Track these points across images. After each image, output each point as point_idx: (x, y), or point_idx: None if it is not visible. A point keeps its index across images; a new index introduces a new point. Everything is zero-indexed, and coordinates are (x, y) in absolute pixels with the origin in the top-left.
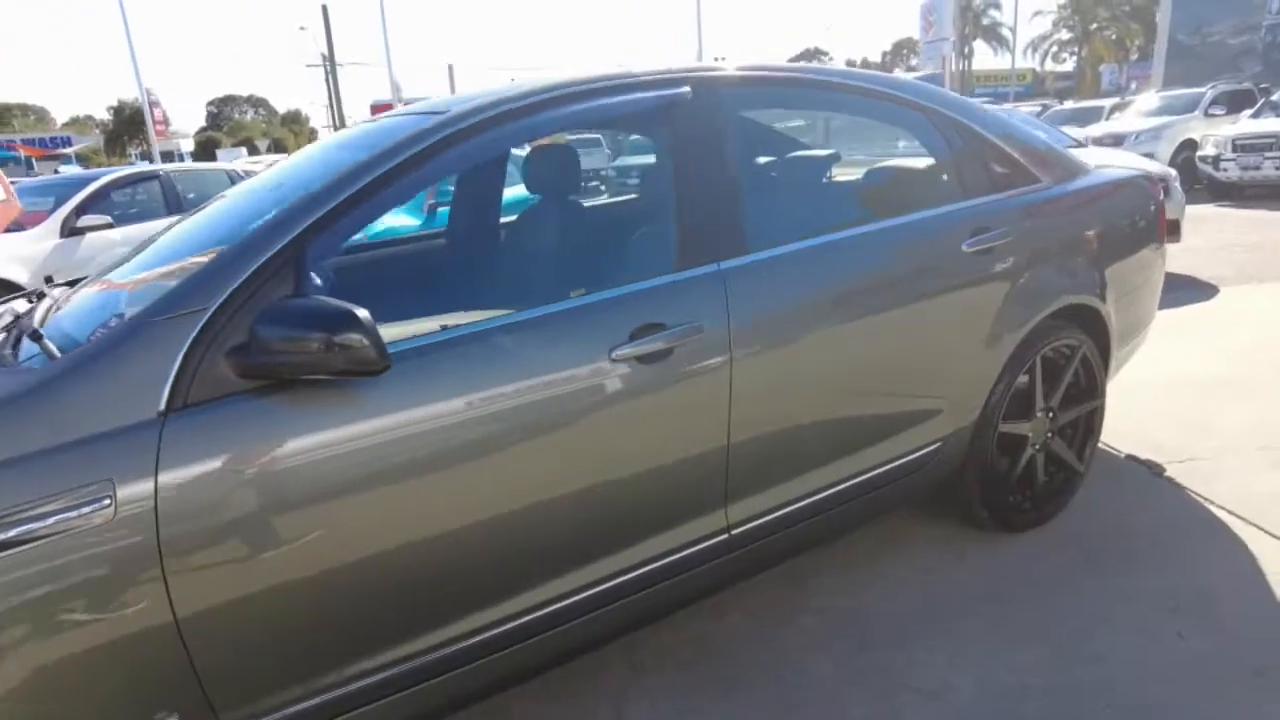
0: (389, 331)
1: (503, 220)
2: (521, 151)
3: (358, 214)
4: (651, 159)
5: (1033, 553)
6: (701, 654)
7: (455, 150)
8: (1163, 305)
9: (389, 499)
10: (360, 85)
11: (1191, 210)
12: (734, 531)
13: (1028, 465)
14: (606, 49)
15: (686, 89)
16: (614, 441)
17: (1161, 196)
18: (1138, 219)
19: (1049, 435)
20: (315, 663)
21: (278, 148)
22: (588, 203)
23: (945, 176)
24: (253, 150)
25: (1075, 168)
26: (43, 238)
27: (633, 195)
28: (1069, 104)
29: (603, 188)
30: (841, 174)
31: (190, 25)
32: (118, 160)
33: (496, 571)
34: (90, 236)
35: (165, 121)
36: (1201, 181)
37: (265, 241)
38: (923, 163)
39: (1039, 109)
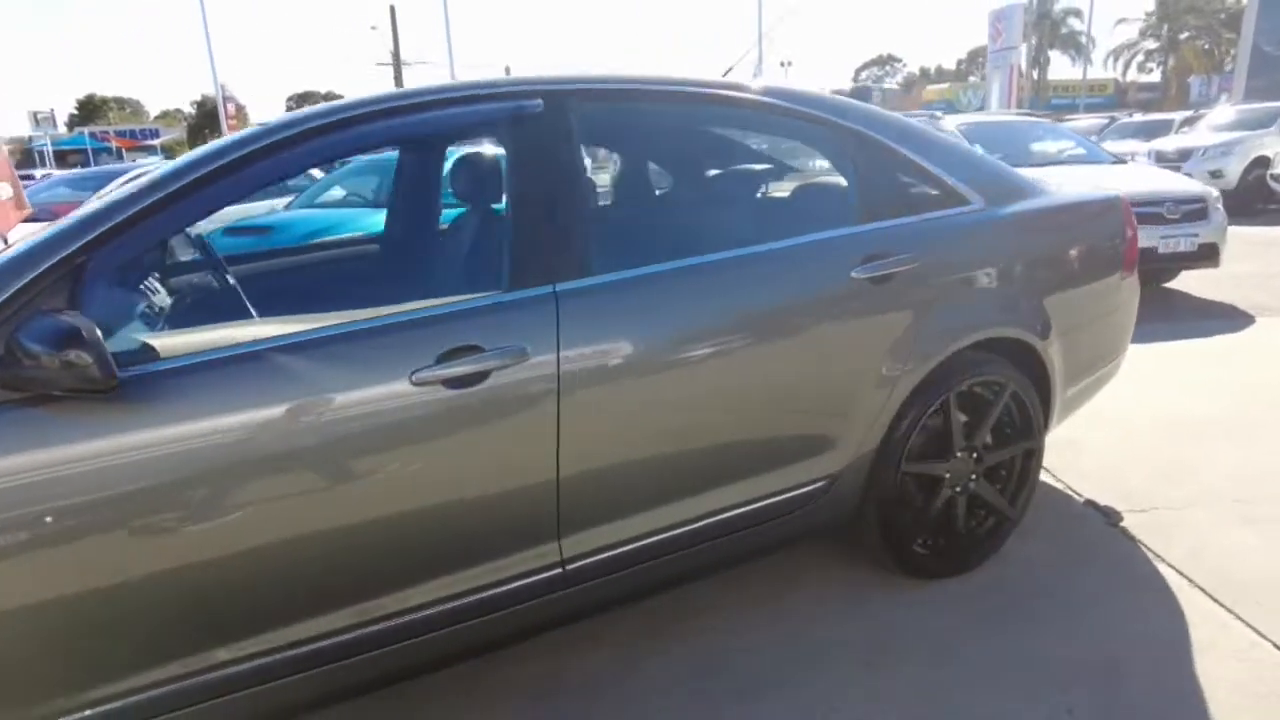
0: (177, 341)
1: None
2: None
3: (148, 227)
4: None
5: (942, 603)
6: (554, 687)
7: (261, 164)
8: (1185, 335)
9: (154, 520)
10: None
11: (1258, 233)
12: (569, 567)
13: (945, 509)
14: (666, 47)
15: (538, 101)
16: (416, 467)
17: (1130, 222)
18: (1096, 246)
19: (973, 478)
20: (70, 679)
21: None
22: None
23: (844, 197)
24: None
25: (1018, 190)
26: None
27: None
28: (1138, 116)
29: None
30: (738, 193)
31: (273, 23)
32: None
33: (279, 596)
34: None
35: (239, 116)
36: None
37: (40, 255)
38: (819, 182)
39: (1107, 120)
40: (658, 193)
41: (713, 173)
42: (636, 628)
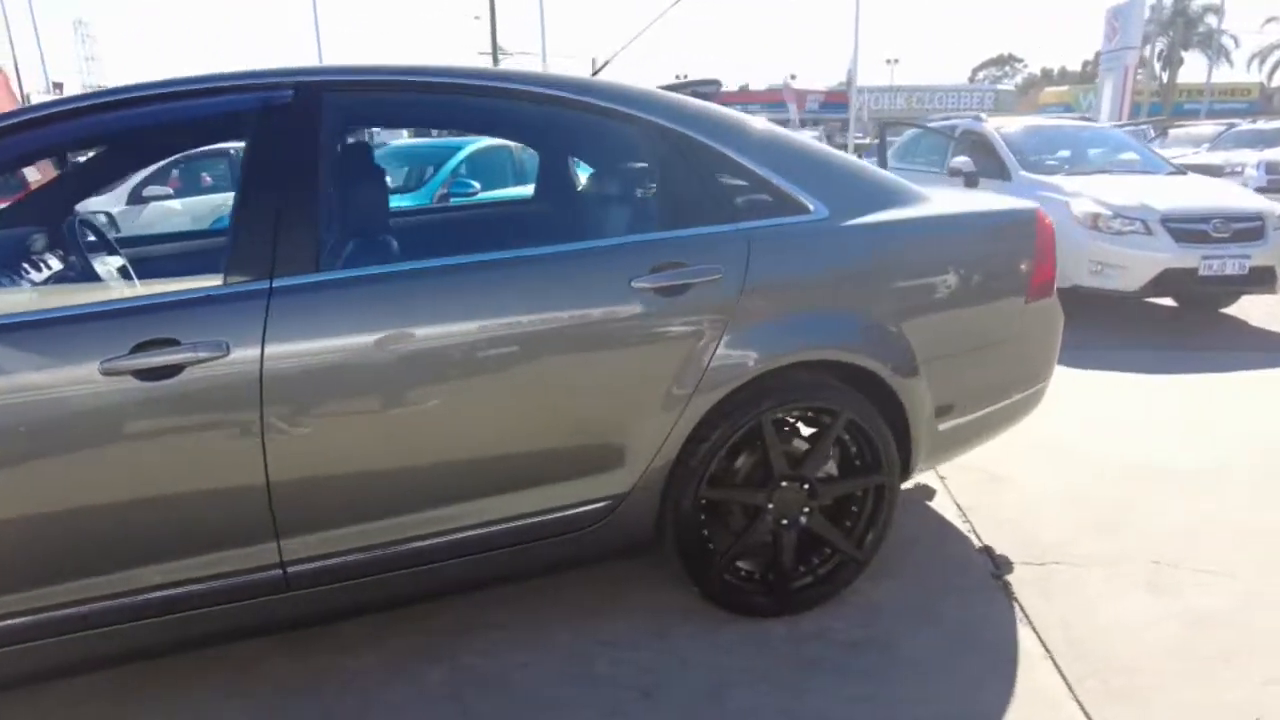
0: None
1: None
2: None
3: None
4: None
5: (752, 645)
6: (314, 685)
7: None
8: (1202, 368)
9: None
10: None
11: None
12: (291, 570)
13: (771, 541)
14: (759, 48)
15: (288, 93)
16: (113, 454)
17: (1044, 242)
18: (986, 266)
19: (805, 511)
20: None
21: None
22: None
23: (645, 199)
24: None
25: (881, 198)
26: (112, 203)
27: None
28: (1261, 123)
29: None
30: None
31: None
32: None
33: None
34: (153, 204)
35: None
36: None
37: None
38: (617, 183)
39: (1224, 127)
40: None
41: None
42: (422, 638)
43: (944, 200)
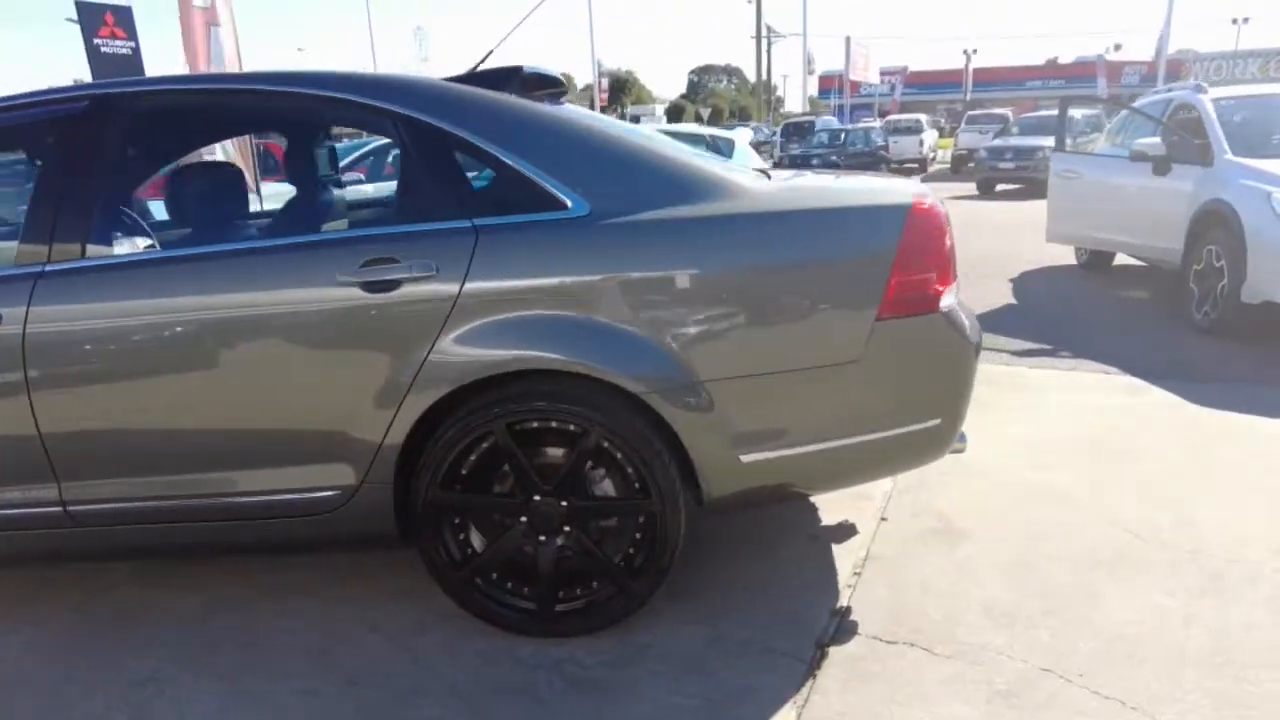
0: None
1: None
2: None
3: None
4: None
5: (472, 659)
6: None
7: None
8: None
9: None
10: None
11: None
12: (71, 509)
13: (527, 557)
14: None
15: (85, 104)
16: None
17: (915, 247)
18: (812, 273)
19: (566, 530)
20: None
21: (743, 116)
22: None
23: (388, 193)
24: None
25: (674, 193)
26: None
27: None
28: None
29: None
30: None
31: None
32: None
33: None
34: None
35: (607, 90)
36: None
37: None
38: (343, 178)
39: None
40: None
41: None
42: (238, 588)
43: (776, 194)
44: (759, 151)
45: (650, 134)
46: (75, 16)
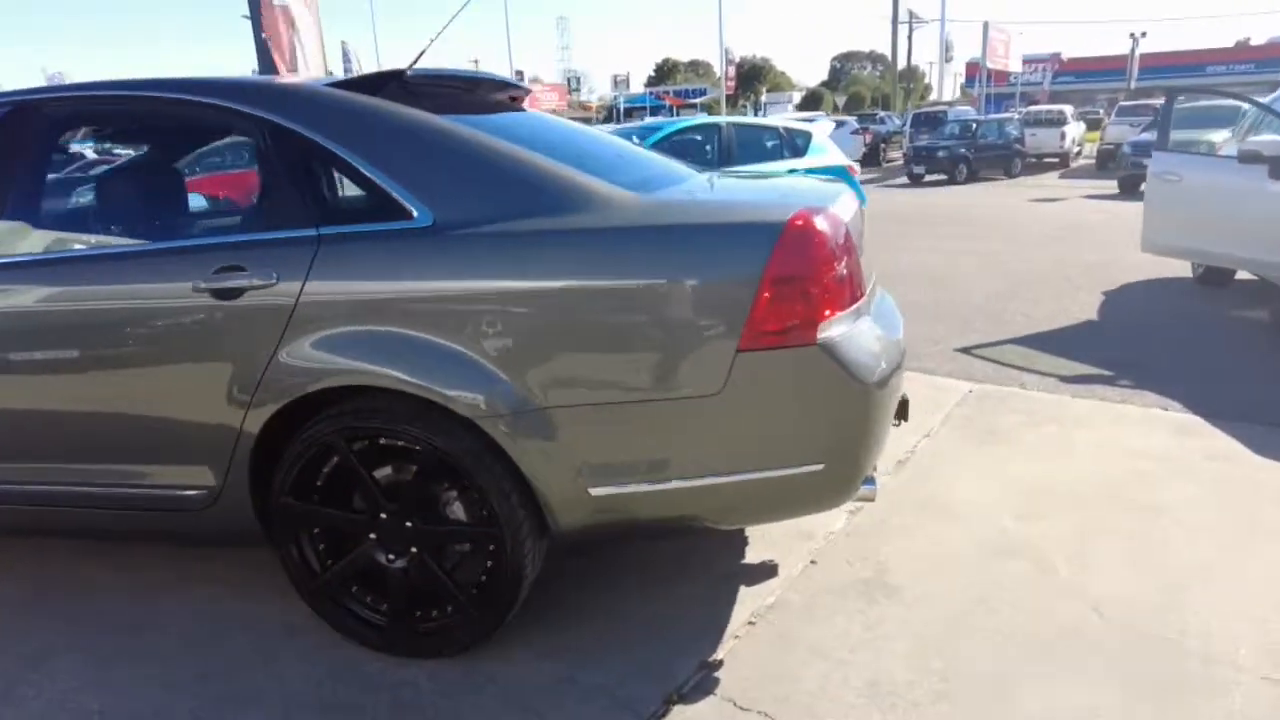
0: None
1: None
2: None
3: None
4: None
5: (314, 670)
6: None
7: None
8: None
9: None
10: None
11: None
12: None
13: (380, 573)
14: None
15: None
16: None
17: (789, 267)
18: (665, 297)
19: (412, 550)
20: None
21: (885, 104)
22: None
23: (258, 199)
24: (856, 105)
25: (529, 204)
26: None
27: None
28: None
29: None
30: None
31: None
32: (729, 110)
33: None
34: None
35: (734, 78)
36: None
37: None
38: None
39: None
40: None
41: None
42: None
43: (643, 207)
44: (889, 144)
45: (564, 134)
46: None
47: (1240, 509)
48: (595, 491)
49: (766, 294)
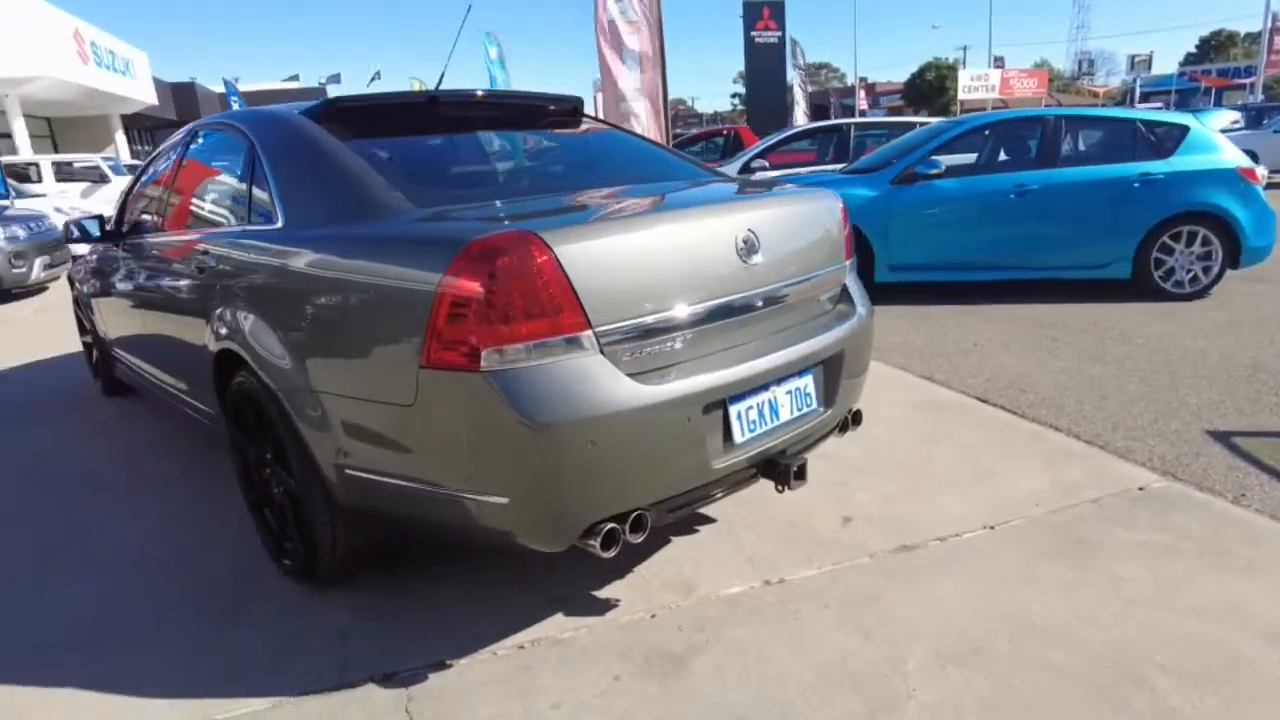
0: None
1: None
2: None
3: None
4: None
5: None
6: None
7: None
8: None
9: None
10: None
11: None
12: None
13: (279, 510)
14: None
15: None
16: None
17: (471, 290)
18: (367, 303)
19: (277, 491)
20: None
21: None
22: None
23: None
24: None
25: (337, 211)
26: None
27: None
28: None
29: None
30: None
31: None
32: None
33: None
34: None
35: None
36: None
37: None
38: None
39: None
40: None
41: None
42: None
43: (402, 218)
44: None
45: None
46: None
47: None
48: (349, 472)
49: (442, 314)
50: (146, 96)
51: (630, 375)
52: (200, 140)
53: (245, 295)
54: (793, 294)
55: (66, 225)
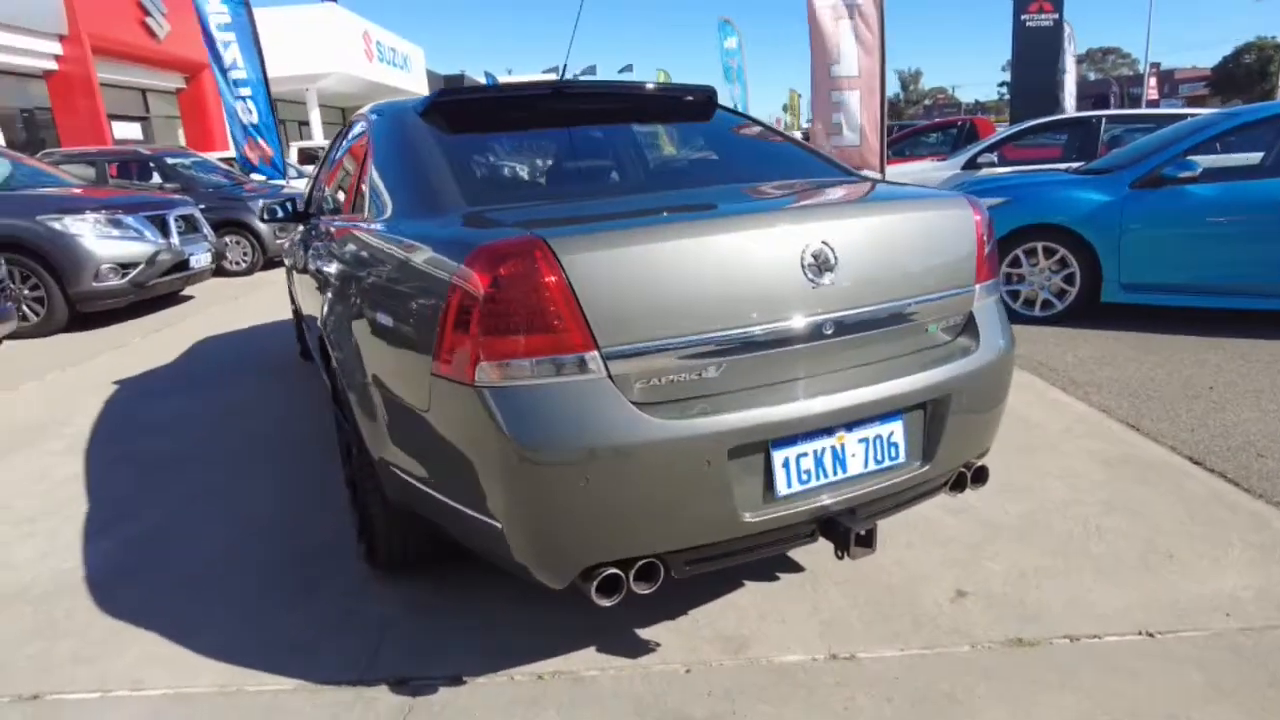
0: None
1: None
2: None
3: None
4: None
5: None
6: None
7: None
8: None
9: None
10: None
11: None
12: None
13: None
14: None
15: None
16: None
17: (469, 303)
18: (397, 304)
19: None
20: None
21: None
22: None
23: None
24: None
25: (404, 207)
26: (947, 167)
27: None
28: None
29: None
30: None
31: None
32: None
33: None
34: (984, 170)
35: None
36: None
37: None
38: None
39: None
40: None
41: None
42: None
43: (450, 218)
44: None
45: None
46: None
47: None
48: (391, 468)
49: (450, 321)
50: (420, 88)
51: (640, 405)
52: (354, 130)
53: (331, 278)
54: (882, 321)
55: (262, 206)
